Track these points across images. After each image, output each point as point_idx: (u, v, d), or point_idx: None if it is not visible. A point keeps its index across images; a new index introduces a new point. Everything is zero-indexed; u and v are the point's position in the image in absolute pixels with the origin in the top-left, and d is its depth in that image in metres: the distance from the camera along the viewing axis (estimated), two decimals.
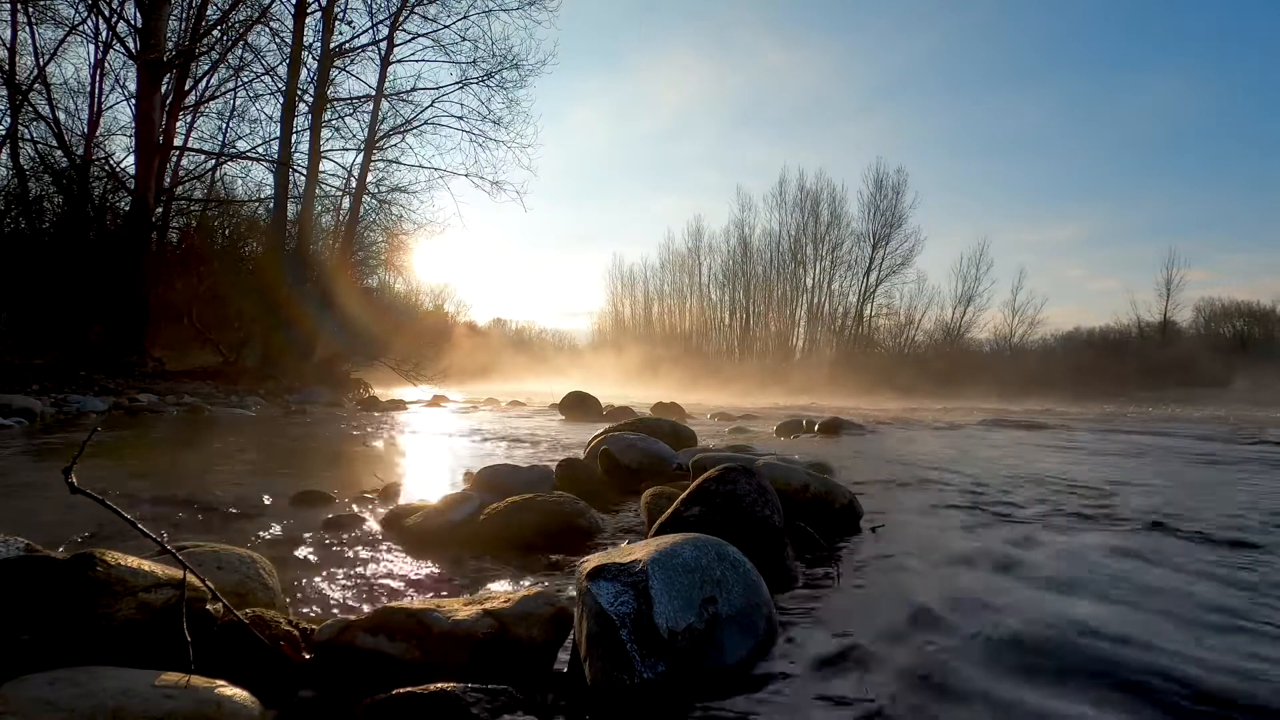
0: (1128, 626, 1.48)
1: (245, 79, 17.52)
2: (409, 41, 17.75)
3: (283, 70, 16.51)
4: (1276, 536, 2.38)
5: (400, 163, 18.56)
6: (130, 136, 15.14)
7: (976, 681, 1.21)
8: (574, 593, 1.39)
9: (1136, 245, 58.59)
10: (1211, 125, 59.51)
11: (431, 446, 5.72)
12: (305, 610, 1.55)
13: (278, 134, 16.39)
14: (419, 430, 7.38)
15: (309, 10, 16.06)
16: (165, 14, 13.20)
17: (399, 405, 12.92)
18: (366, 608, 1.55)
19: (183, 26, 15.43)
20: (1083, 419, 12.68)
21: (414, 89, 18.00)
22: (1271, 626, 1.49)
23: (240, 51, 16.49)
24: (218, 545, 1.58)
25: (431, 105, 18.05)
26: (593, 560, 1.33)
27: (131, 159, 14.15)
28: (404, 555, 2.04)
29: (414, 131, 18.23)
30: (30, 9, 14.28)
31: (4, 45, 14.95)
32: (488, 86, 18.00)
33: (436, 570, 1.90)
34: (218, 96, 18.23)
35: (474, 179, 18.31)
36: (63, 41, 15.09)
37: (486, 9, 17.37)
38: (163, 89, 13.57)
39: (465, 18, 17.44)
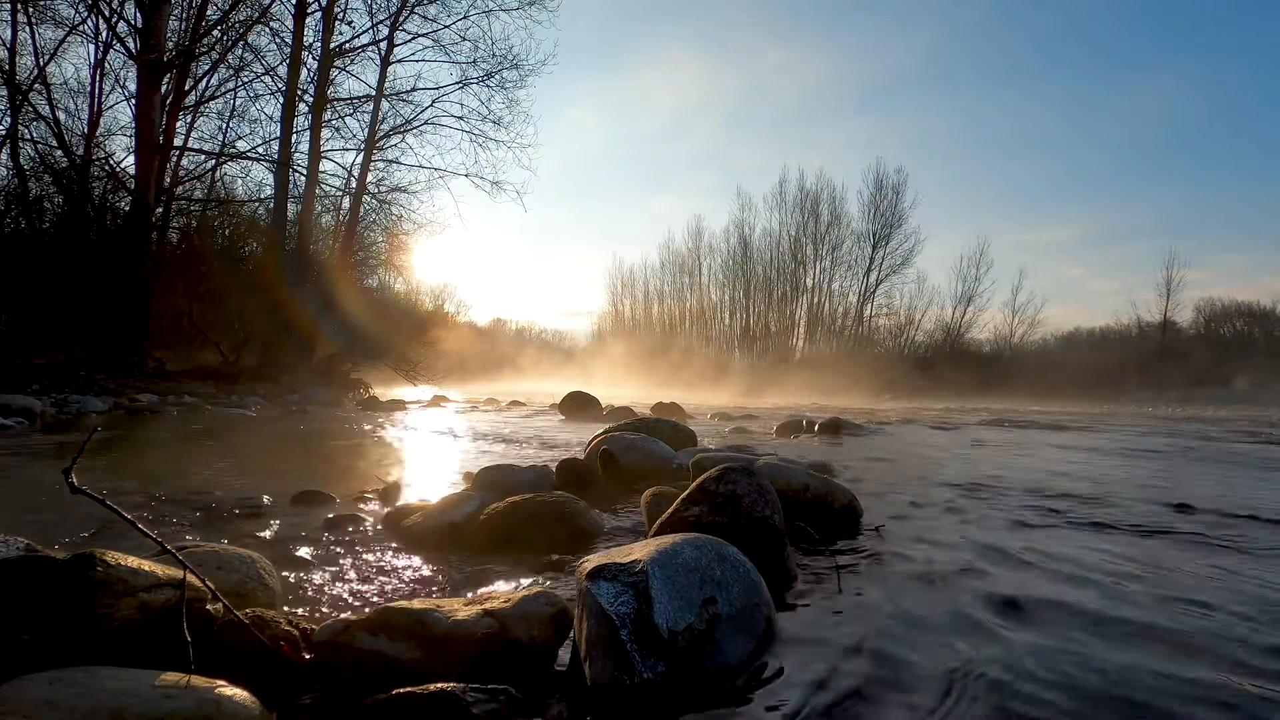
0: (1122, 632, 1.48)
1: (245, 79, 17.56)
2: (409, 41, 17.80)
3: (283, 70, 16.53)
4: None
5: (400, 163, 18.62)
6: (130, 136, 15.17)
7: (972, 684, 1.21)
8: (574, 593, 1.39)
9: (1136, 245, 58.73)
10: (1211, 125, 59.68)
11: (431, 446, 5.72)
12: (305, 610, 1.55)
13: (278, 134, 16.42)
14: (419, 430, 7.38)
15: (309, 10, 16.06)
16: (165, 14, 13.20)
17: (399, 405, 12.91)
18: (366, 608, 1.55)
19: (183, 26, 15.43)
20: (1083, 419, 12.68)
21: (414, 89, 18.05)
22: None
23: (240, 51, 16.52)
24: (218, 545, 1.58)
25: (431, 105, 18.10)
26: (593, 560, 1.33)
27: (131, 159, 14.17)
28: (404, 555, 2.04)
29: (414, 131, 18.27)
30: (30, 9, 14.29)
31: (4, 45, 14.97)
32: (488, 86, 18.05)
33: (437, 570, 1.90)
34: (218, 96, 18.26)
35: (474, 179, 18.37)
36: (63, 41, 15.12)
37: (486, 9, 17.41)
38: (163, 89, 13.56)
39: (465, 18, 17.49)
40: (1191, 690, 1.18)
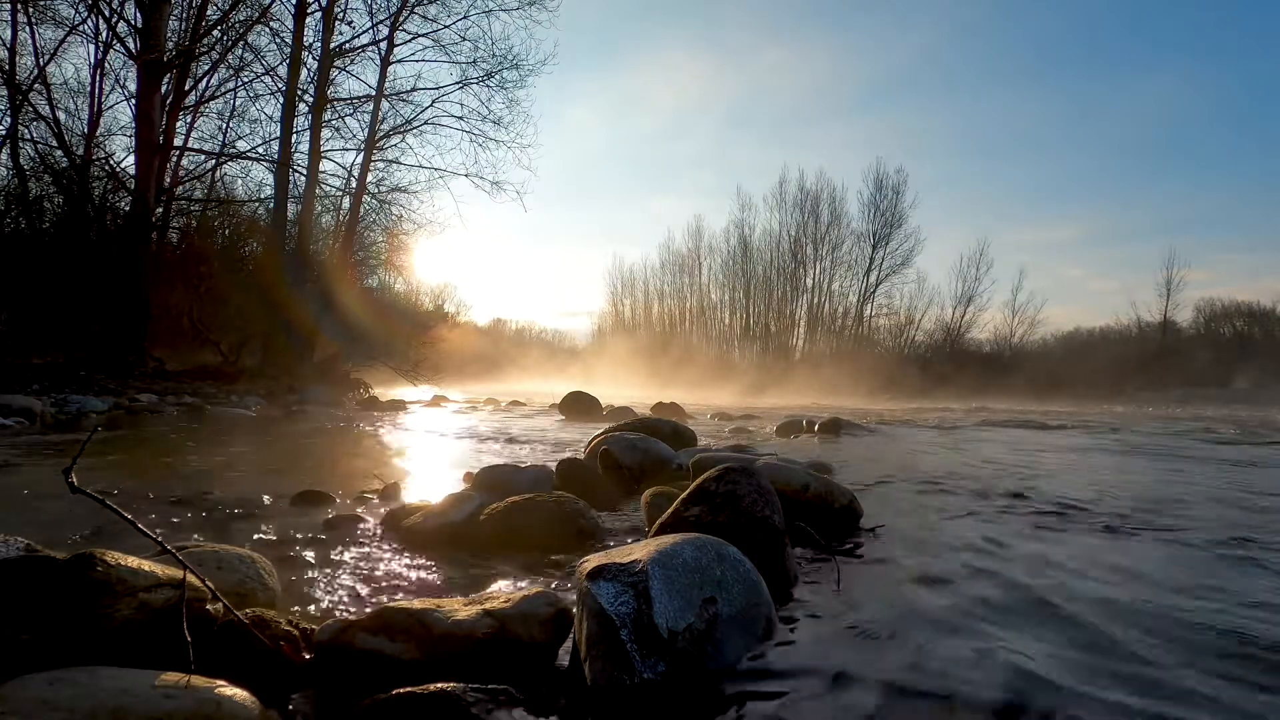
0: (1119, 630, 1.48)
1: (245, 79, 17.50)
2: (409, 41, 17.74)
3: (283, 70, 16.49)
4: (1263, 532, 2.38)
5: (400, 163, 18.54)
6: (130, 136, 15.13)
7: (973, 683, 1.21)
8: (574, 593, 1.39)
9: (1136, 245, 58.68)
10: (1211, 125, 59.63)
11: (431, 446, 5.72)
12: (305, 610, 1.55)
13: (278, 134, 16.37)
14: (419, 430, 7.38)
15: (309, 10, 16.04)
16: (165, 14, 13.18)
17: (399, 405, 12.92)
18: (366, 608, 1.55)
19: (183, 26, 15.41)
20: (1083, 419, 12.67)
21: (414, 89, 17.97)
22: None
23: (240, 51, 16.46)
24: (218, 545, 1.58)
25: (431, 105, 18.03)
26: (593, 560, 1.33)
27: (131, 159, 14.15)
28: (404, 555, 2.04)
29: (414, 131, 18.20)
30: (30, 9, 14.26)
31: (4, 45, 14.93)
32: (488, 86, 17.98)
33: (436, 570, 1.90)
34: (218, 96, 18.21)
35: (474, 179, 18.28)
36: (63, 41, 15.07)
37: (486, 9, 17.35)
38: (163, 89, 13.55)
39: (465, 18, 17.43)
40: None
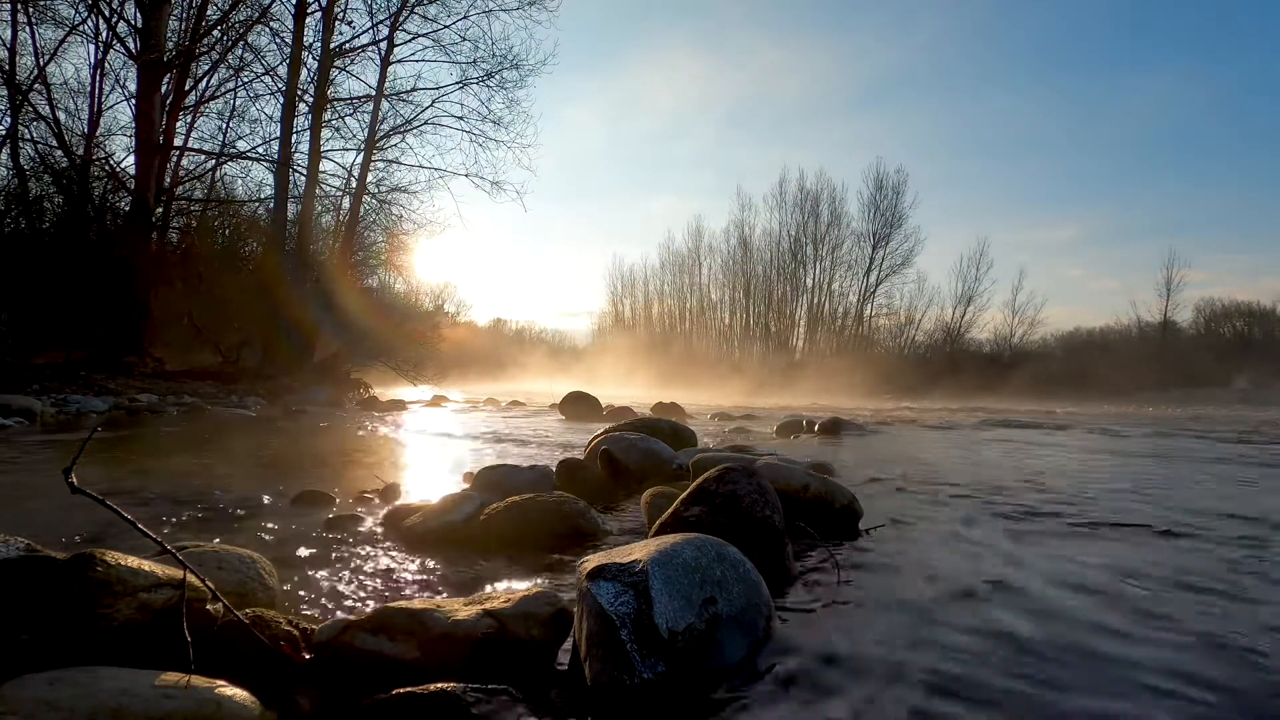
0: (1118, 635, 1.48)
1: (245, 79, 17.50)
2: (409, 41, 17.76)
3: (283, 70, 16.50)
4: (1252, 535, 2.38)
5: (400, 163, 18.55)
6: (130, 136, 15.12)
7: (971, 684, 1.21)
8: (574, 593, 1.39)
9: (1136, 245, 58.58)
10: (1211, 125, 59.49)
11: (431, 446, 5.72)
12: (305, 610, 1.55)
13: (278, 134, 16.38)
14: (419, 430, 7.38)
15: (309, 10, 16.04)
16: (165, 14, 13.20)
17: (399, 405, 12.93)
18: (366, 608, 1.55)
19: (183, 26, 15.42)
20: (1082, 419, 12.67)
21: (414, 89, 17.99)
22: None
23: (240, 51, 16.47)
24: (218, 545, 1.58)
25: (431, 105, 18.05)
26: (593, 560, 1.34)
27: (131, 159, 14.16)
28: (404, 555, 2.04)
29: (414, 131, 18.23)
30: (30, 9, 14.25)
31: (4, 45, 14.92)
32: (488, 86, 17.99)
33: (436, 570, 1.90)
34: (218, 96, 18.20)
35: (474, 179, 18.31)
36: (63, 41, 15.05)
37: (486, 9, 17.36)
38: (163, 89, 13.56)
39: (465, 18, 17.44)
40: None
